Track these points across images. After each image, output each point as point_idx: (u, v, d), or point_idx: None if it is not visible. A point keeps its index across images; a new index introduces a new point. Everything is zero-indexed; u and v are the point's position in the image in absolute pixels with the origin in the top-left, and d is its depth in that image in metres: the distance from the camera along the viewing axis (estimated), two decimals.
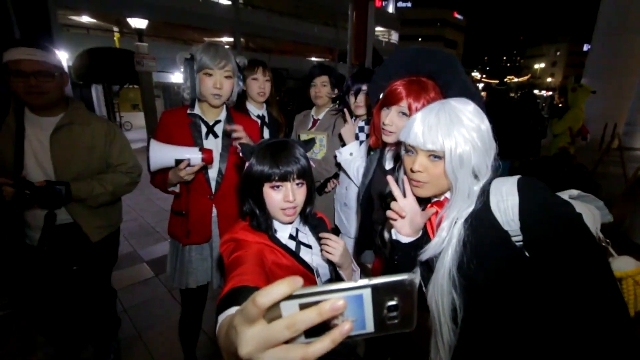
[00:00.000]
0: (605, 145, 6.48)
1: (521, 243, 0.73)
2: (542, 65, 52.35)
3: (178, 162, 1.21)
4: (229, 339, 0.33)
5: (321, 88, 1.84)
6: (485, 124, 0.76)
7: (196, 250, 1.44)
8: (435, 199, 0.87)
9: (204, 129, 1.38)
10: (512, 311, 0.76)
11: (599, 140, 7.79)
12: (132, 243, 3.25)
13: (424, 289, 0.91)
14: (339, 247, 0.89)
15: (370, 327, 0.32)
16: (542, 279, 0.72)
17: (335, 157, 1.63)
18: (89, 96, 14.38)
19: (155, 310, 2.25)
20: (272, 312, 0.31)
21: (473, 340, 0.81)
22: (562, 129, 3.62)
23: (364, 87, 1.53)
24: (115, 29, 15.52)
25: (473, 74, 36.82)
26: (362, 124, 1.65)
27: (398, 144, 1.19)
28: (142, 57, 7.83)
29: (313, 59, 23.03)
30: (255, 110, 1.86)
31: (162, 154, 1.20)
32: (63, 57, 13.29)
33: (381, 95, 1.12)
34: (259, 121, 1.81)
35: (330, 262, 0.95)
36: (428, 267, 0.86)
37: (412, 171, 0.80)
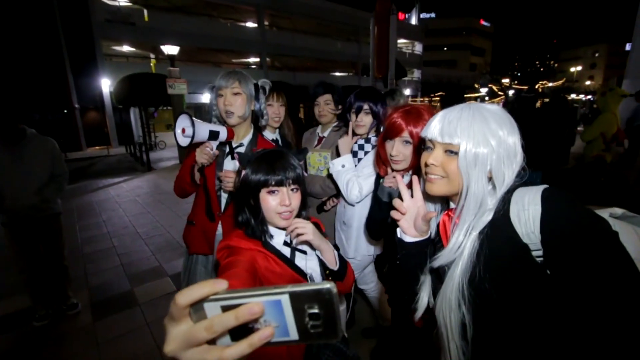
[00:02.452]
0: None
1: (542, 258, 0.67)
2: (579, 68, 49.55)
3: (212, 133, 1.29)
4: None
5: (324, 106, 1.86)
6: (513, 137, 0.71)
7: (202, 263, 1.51)
8: (453, 206, 0.84)
9: (227, 149, 1.46)
10: (527, 332, 0.70)
11: None
12: (158, 257, 3.39)
13: (431, 301, 0.88)
14: (307, 225, 0.90)
15: (294, 334, 0.32)
16: (564, 301, 0.65)
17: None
18: (128, 119, 15.52)
19: None
20: (199, 313, 0.31)
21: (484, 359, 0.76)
22: (593, 135, 3.34)
23: (365, 106, 1.54)
24: (152, 55, 16.74)
25: (503, 80, 35.47)
26: (362, 141, 1.65)
27: (409, 169, 1.22)
28: (173, 81, 8.34)
29: (337, 74, 23.38)
30: (270, 134, 1.91)
31: (202, 126, 1.27)
32: (106, 84, 14.35)
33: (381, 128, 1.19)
34: (273, 144, 1.86)
35: (321, 265, 0.98)
36: (439, 278, 0.82)
37: (427, 165, 0.78)
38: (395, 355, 1.46)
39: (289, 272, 0.90)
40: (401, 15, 25.45)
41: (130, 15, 14.71)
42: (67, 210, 5.00)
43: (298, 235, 0.90)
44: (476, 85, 30.61)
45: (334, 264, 0.96)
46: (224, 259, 0.85)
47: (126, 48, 16.15)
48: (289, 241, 0.96)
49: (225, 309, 0.31)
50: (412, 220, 0.84)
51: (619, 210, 0.85)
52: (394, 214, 0.85)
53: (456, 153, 0.72)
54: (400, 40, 24.99)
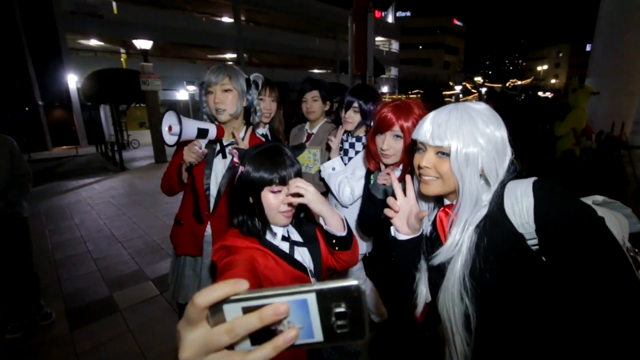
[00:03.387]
0: None
1: (537, 247, 0.70)
2: (545, 67, 52.16)
3: (200, 131, 1.23)
4: (177, 344, 0.33)
5: (312, 103, 1.85)
6: (501, 132, 0.74)
7: (190, 265, 1.46)
8: (448, 203, 0.85)
9: (218, 147, 1.41)
10: (528, 317, 0.73)
11: None
12: (137, 261, 3.25)
13: (429, 296, 0.89)
14: (309, 186, 0.83)
15: (318, 335, 0.30)
16: (560, 284, 0.69)
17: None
18: (98, 117, 14.77)
19: (159, 329, 2.22)
20: (217, 316, 0.29)
21: (488, 348, 0.78)
22: (565, 130, 3.55)
23: (355, 104, 1.54)
24: (122, 50, 16.00)
25: (476, 78, 36.80)
26: (352, 140, 1.64)
27: (399, 163, 1.23)
28: (147, 77, 8.02)
29: (315, 70, 23.32)
30: (259, 129, 1.86)
31: (191, 124, 1.20)
32: (72, 79, 13.62)
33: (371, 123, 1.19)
34: (263, 139, 1.82)
35: (313, 257, 0.95)
36: (440, 273, 0.84)
37: (420, 167, 0.79)
38: (394, 350, 1.48)
39: (289, 269, 0.88)
40: (378, 13, 25.73)
41: (97, 7, 13.95)
42: (35, 214, 4.71)
43: (296, 196, 0.83)
44: (451, 83, 31.52)
45: (341, 229, 0.88)
46: (222, 259, 0.82)
47: (94, 42, 15.35)
48: (286, 235, 0.94)
49: (246, 310, 0.29)
50: (405, 218, 0.85)
51: (599, 198, 0.92)
52: (387, 212, 0.86)
53: (447, 154, 0.75)
54: (378, 38, 25.28)
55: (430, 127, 0.76)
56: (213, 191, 1.39)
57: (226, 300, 0.29)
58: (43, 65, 13.25)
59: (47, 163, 10.87)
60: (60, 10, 12.97)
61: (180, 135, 1.14)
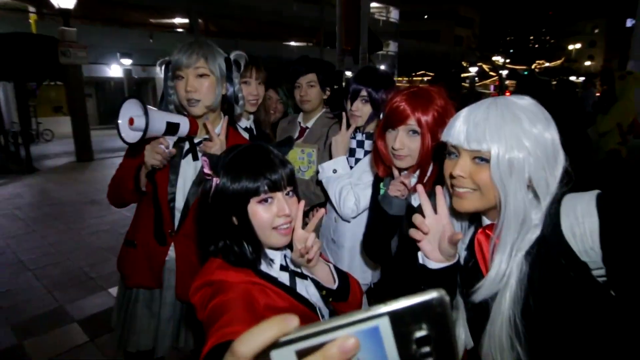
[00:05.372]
0: None
1: (604, 278, 0.73)
2: (578, 45, 54.70)
3: (170, 126, 1.22)
4: None
5: (307, 90, 1.85)
6: (550, 132, 0.77)
7: (144, 301, 1.43)
8: (487, 222, 0.87)
9: (187, 146, 1.39)
10: None
11: None
12: (56, 296, 3.14)
13: (469, 340, 0.91)
14: (317, 245, 0.90)
15: None
16: (634, 325, 0.72)
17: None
18: None
19: None
20: None
21: None
22: (610, 126, 3.70)
23: (364, 92, 1.56)
24: (32, 9, 15.43)
25: (494, 58, 38.14)
26: (361, 137, 1.66)
27: (415, 167, 1.24)
28: (68, 46, 7.82)
29: (292, 43, 23.39)
30: (242, 122, 1.86)
31: (159, 116, 1.20)
32: None
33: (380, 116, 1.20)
34: (247, 135, 1.81)
35: (317, 287, 0.97)
36: (483, 313, 0.85)
37: (452, 177, 0.81)
38: None
39: (296, 305, 0.88)
40: None
41: None
42: None
43: (308, 260, 0.89)
44: (464, 64, 32.47)
45: (331, 282, 0.95)
46: (207, 301, 0.80)
47: None
48: (284, 264, 0.94)
49: (301, 354, 0.28)
50: (436, 241, 0.87)
51: None
52: (414, 233, 0.87)
53: (487, 161, 0.77)
54: (373, 5, 25.66)
55: (464, 128, 0.78)
56: (179, 203, 1.38)
57: (275, 344, 0.28)
58: None
59: None
60: None
61: (145, 130, 1.12)
